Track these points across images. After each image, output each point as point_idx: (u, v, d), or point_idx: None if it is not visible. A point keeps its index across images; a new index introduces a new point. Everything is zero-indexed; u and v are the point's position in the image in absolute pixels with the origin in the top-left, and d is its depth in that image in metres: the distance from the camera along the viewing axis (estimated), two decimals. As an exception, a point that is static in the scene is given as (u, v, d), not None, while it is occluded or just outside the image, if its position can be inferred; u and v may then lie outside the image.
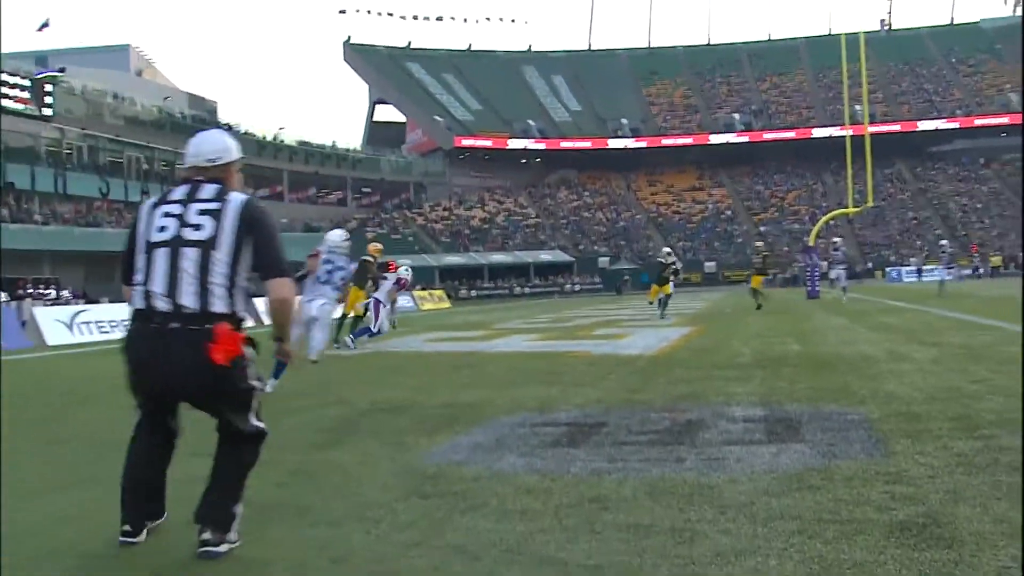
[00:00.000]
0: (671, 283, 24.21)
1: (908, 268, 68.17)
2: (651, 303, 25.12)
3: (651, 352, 13.35)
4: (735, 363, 11.03)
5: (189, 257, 3.81)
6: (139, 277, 3.89)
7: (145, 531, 4.00)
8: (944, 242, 31.45)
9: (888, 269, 70.84)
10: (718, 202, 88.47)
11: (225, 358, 3.73)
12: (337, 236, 12.02)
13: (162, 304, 3.79)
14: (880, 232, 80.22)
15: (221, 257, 3.83)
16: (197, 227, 3.86)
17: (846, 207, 53.28)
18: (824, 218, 49.50)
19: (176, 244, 3.85)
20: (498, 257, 73.15)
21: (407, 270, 18.53)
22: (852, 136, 44.28)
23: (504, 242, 77.68)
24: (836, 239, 33.36)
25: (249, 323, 3.98)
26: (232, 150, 4.15)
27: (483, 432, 6.70)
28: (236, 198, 3.94)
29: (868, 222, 79.99)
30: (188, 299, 3.78)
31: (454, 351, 15.72)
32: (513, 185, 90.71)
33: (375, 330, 16.92)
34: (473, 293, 67.05)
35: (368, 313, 17.16)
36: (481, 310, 39.49)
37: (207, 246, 3.83)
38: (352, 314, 17.89)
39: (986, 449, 5.24)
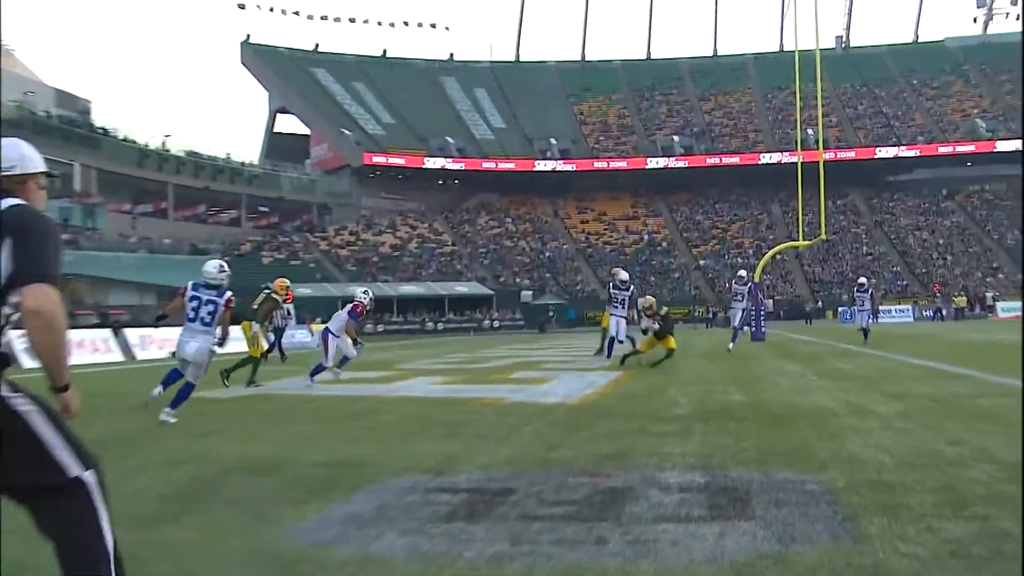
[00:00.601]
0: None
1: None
2: (653, 365, 18.98)
3: (574, 400, 12.90)
4: (671, 415, 10.61)
5: None
6: None
7: None
8: (863, 280, 31.25)
9: (841, 309, 71.42)
10: (654, 232, 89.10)
11: None
12: (211, 267, 11.97)
13: None
14: (832, 268, 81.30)
15: None
16: None
17: (795, 240, 53.76)
18: (771, 252, 49.82)
19: None
20: (409, 288, 72.45)
21: (366, 292, 18.02)
22: (803, 163, 44.57)
23: (416, 272, 77.19)
24: (741, 272, 32.48)
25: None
26: (30, 161, 3.86)
27: (365, 500, 6.15)
28: (3, 203, 3.54)
29: (818, 257, 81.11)
30: None
31: (349, 395, 15.14)
32: (428, 209, 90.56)
33: (327, 364, 16.96)
34: (380, 328, 66.18)
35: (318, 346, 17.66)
36: (387, 347, 38.83)
37: None
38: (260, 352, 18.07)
39: (983, 535, 4.71)
